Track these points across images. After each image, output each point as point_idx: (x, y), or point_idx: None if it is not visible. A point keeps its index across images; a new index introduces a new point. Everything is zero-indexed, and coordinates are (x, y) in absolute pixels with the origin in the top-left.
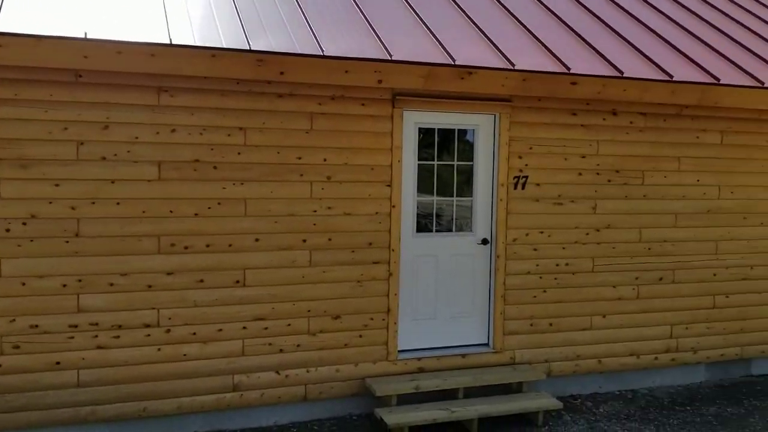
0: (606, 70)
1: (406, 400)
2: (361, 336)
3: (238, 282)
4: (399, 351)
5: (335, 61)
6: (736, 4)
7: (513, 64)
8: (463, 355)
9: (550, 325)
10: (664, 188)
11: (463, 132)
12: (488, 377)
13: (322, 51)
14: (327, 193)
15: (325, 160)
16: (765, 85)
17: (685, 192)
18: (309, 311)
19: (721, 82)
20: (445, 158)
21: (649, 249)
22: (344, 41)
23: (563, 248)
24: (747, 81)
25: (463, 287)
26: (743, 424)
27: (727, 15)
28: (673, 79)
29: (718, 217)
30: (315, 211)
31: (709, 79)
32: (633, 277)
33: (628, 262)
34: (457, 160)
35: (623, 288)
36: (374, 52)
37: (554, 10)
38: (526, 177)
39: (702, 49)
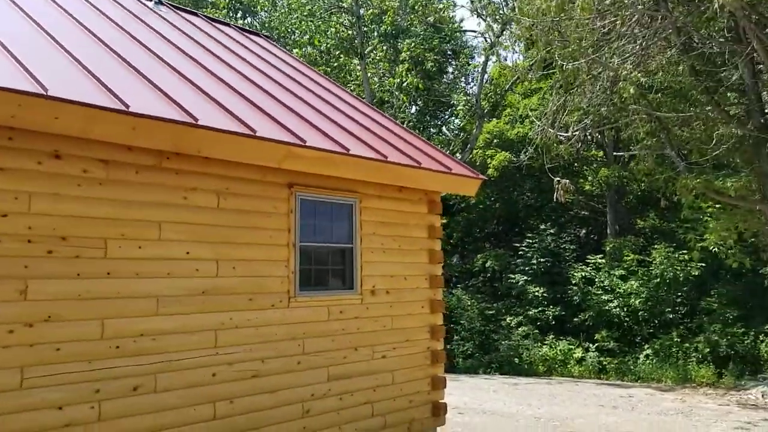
0: (28, 86)
1: None
2: None
3: None
4: None
5: None
6: (238, 55)
7: None
8: None
9: None
10: (138, 263)
11: None
12: None
13: None
14: None
15: None
16: (257, 134)
17: (170, 268)
18: None
19: (199, 123)
20: None
21: (118, 348)
22: None
23: None
24: (236, 127)
25: None
26: None
27: (222, 59)
28: (129, 110)
29: (216, 300)
30: None
31: (184, 118)
32: (92, 391)
33: (84, 369)
34: None
35: (75, 408)
36: None
37: None
38: None
39: (186, 88)
